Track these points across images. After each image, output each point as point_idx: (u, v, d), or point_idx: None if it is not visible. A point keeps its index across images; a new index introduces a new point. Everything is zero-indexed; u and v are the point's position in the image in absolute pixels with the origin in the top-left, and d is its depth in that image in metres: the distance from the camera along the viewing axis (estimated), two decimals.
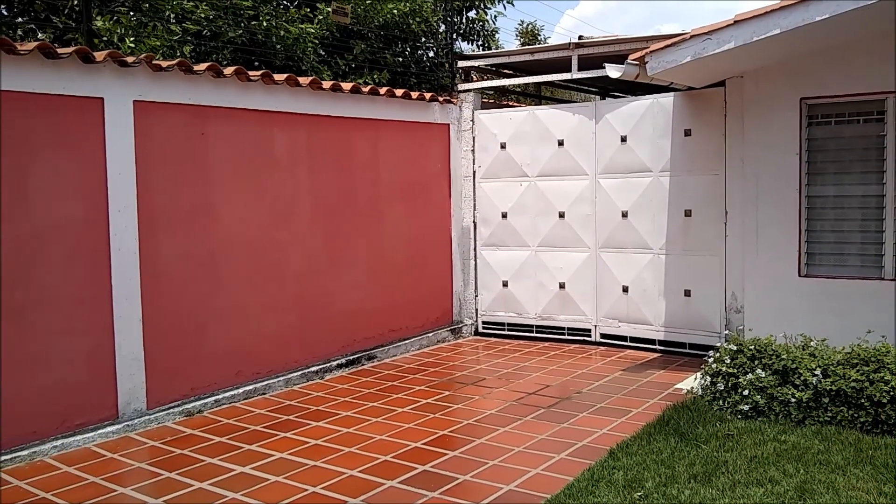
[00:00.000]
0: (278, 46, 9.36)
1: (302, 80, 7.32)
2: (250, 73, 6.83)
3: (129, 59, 5.94)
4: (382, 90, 8.25)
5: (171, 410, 6.23)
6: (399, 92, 8.47)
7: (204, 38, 8.90)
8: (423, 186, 8.93)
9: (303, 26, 9.48)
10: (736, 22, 6.22)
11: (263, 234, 7.03)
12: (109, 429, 5.82)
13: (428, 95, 8.93)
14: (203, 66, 6.44)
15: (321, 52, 10.06)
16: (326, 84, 7.57)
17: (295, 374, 7.25)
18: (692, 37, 6.40)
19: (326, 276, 7.66)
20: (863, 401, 5.30)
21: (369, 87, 8.12)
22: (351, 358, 7.84)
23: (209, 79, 6.51)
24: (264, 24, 9.22)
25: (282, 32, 9.31)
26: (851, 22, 6.11)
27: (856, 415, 5.33)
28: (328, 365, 7.58)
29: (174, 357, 6.32)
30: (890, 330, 6.07)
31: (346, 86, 7.79)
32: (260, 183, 7.00)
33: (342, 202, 7.84)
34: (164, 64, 6.19)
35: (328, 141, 7.68)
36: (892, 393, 5.19)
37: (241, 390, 6.77)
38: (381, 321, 8.31)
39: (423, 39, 11.36)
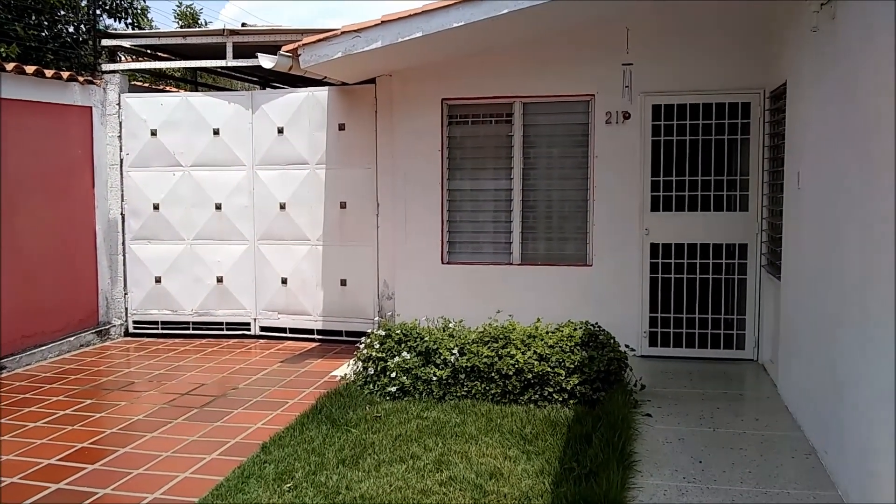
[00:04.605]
0: None
1: None
2: None
3: None
4: (10, 66, 7.32)
5: None
6: (31, 69, 7.57)
7: None
8: (62, 175, 8.07)
9: None
10: (383, 22, 6.50)
11: None
12: None
13: (66, 74, 8.10)
14: None
15: None
16: None
17: None
18: (343, 33, 6.57)
19: None
20: (493, 374, 5.88)
21: None
22: None
23: None
24: None
25: None
26: (486, 31, 6.71)
27: (488, 388, 5.89)
28: None
29: None
30: (517, 309, 6.80)
31: None
32: None
33: None
34: None
35: None
36: (516, 366, 5.82)
37: None
38: (12, 327, 7.37)
39: (63, 13, 10.30)
